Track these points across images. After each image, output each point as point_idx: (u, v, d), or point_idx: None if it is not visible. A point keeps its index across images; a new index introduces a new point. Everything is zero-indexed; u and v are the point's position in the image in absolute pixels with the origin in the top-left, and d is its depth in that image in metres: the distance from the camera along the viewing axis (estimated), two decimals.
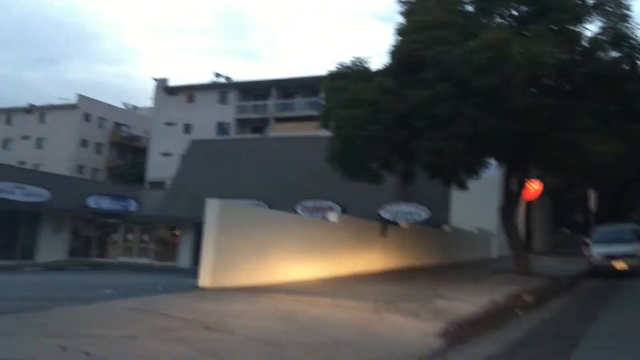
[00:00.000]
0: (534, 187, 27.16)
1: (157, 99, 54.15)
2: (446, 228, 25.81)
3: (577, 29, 15.26)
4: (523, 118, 13.26)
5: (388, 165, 15.83)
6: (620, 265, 19.14)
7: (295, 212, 25.81)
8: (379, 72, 15.29)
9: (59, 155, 52.22)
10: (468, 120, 12.88)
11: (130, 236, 36.45)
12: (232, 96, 52.97)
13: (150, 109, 56.16)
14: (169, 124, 52.53)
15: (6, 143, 56.39)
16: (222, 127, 52.05)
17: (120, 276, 22.46)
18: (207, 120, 51.28)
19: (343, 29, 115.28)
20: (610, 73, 14.29)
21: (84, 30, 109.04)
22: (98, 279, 20.43)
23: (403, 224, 20.77)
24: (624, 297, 14.70)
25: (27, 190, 28.67)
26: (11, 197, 27.78)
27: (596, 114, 14.10)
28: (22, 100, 58.91)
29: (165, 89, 53.98)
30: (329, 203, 29.00)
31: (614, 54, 14.96)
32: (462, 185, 17.95)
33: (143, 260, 34.44)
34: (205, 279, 10.04)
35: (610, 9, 14.72)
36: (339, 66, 16.46)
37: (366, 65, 16.23)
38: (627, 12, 14.57)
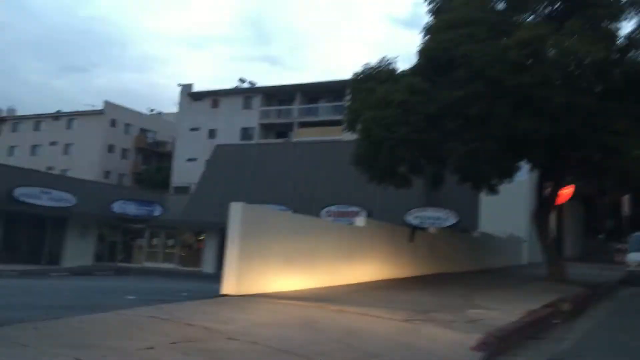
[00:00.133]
0: (565, 190, 26.31)
1: (182, 104, 54.42)
2: (475, 233, 25.11)
3: (613, 27, 14.62)
4: (559, 118, 12.67)
5: (417, 168, 15.33)
6: None
7: (319, 217, 25.39)
8: (407, 72, 14.83)
9: (86, 161, 52.76)
10: (502, 121, 12.35)
11: (155, 241, 36.47)
12: (256, 101, 52.93)
13: (175, 114, 56.47)
14: (193, 129, 52.72)
15: (34, 149, 57.22)
16: (246, 133, 52.01)
17: (145, 281, 22.30)
18: (231, 126, 51.31)
19: (365, 34, 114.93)
20: None
21: (111, 38, 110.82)
22: (122, 284, 20.29)
23: (432, 229, 20.18)
24: None
25: (53, 196, 28.82)
26: (37, 202, 27.95)
27: (633, 116, 13.45)
28: (50, 108, 59.93)
29: (190, 95, 54.21)
30: (354, 208, 28.49)
31: None
32: (493, 190, 17.36)
33: (168, 265, 34.38)
34: (228, 285, 9.67)
35: None
36: (365, 67, 16.04)
37: (393, 66, 15.79)
38: None
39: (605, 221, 44.46)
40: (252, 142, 49.06)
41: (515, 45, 12.17)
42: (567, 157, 15.42)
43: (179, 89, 54.89)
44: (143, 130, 59.64)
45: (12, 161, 49.75)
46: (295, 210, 22.83)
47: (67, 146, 56.36)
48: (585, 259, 31.30)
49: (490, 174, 14.79)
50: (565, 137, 13.81)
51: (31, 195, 27.86)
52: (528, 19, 14.51)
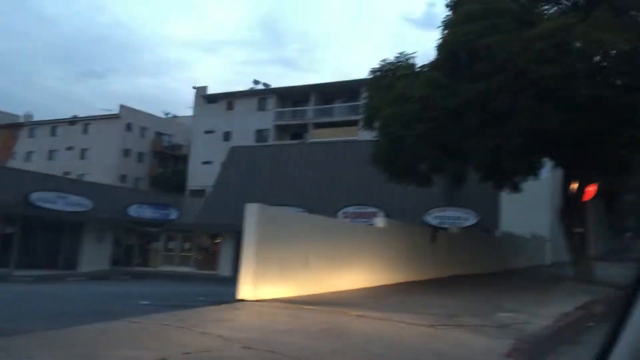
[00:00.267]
0: (590, 187, 25.59)
1: (197, 107, 54.34)
2: (497, 233, 24.50)
3: None
4: (587, 112, 12.10)
5: (438, 166, 14.82)
6: None
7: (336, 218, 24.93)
8: (426, 67, 14.34)
9: (102, 165, 52.88)
10: (527, 115, 11.81)
11: (171, 245, 36.29)
12: (271, 103, 52.65)
13: (190, 117, 56.41)
14: (208, 132, 52.57)
15: (51, 154, 57.51)
16: (261, 134, 51.73)
17: (161, 286, 22.05)
18: (246, 128, 51.06)
19: (379, 35, 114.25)
20: None
21: (127, 44, 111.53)
22: (137, 289, 20.02)
23: (453, 229, 19.64)
24: None
25: (69, 200, 28.72)
26: (54, 206, 27.86)
27: None
28: (68, 113, 60.10)
29: (204, 97, 54.10)
30: (371, 209, 27.99)
31: None
32: (516, 188, 16.79)
33: (184, 269, 34.16)
34: (245, 290, 9.28)
35: None
36: (382, 63, 15.60)
37: (412, 61, 15.32)
38: None
39: (628, 219, 43.46)
40: (267, 143, 48.81)
41: (540, 36, 11.63)
42: (593, 152, 14.82)
43: (193, 92, 54.82)
44: (158, 134, 59.68)
45: (29, 166, 50.01)
46: (312, 212, 22.38)
47: (83, 151, 56.57)
48: (609, 258, 30.47)
49: (514, 170, 14.23)
50: (592, 132, 13.23)
51: (47, 200, 27.78)
52: (552, 10, 13.96)
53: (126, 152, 55.66)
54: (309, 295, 10.18)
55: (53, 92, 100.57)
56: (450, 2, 15.21)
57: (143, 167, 56.95)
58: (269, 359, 5.41)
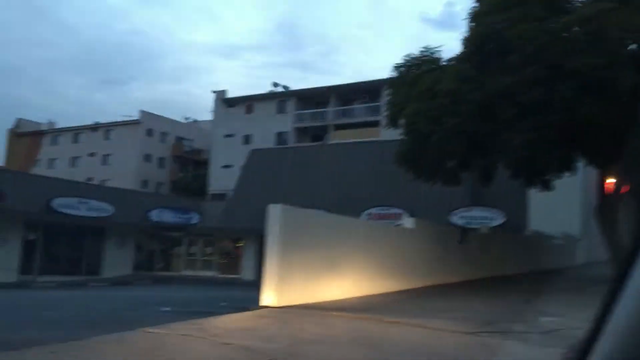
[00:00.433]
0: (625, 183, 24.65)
1: (216, 111, 54.18)
2: (527, 233, 23.69)
3: None
4: (627, 102, 11.38)
5: (466, 164, 14.18)
6: None
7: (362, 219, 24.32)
8: (452, 61, 13.73)
9: (124, 171, 53.00)
10: (562, 107, 11.15)
11: (193, 249, 36.04)
12: (291, 105, 52.26)
13: (210, 122, 56.29)
14: (228, 135, 52.36)
15: (74, 161, 57.86)
16: (281, 137, 51.36)
17: (183, 291, 21.72)
18: (266, 131, 50.74)
19: (398, 36, 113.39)
20: None
21: (147, 51, 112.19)
22: (159, 294, 19.70)
23: (483, 229, 18.93)
24: None
25: (91, 205, 28.55)
26: (75, 212, 27.72)
27: None
28: (89, 120, 60.50)
29: (224, 101, 53.93)
30: (395, 210, 27.32)
31: None
32: (547, 185, 16.05)
33: (207, 273, 33.85)
34: (268, 296, 8.80)
35: None
36: (406, 58, 15.01)
37: (437, 56, 14.70)
38: None
39: None
40: (288, 146, 48.46)
41: (576, 23, 10.99)
42: (633, 147, 14.03)
43: (213, 96, 54.71)
44: (179, 139, 59.69)
45: (52, 173, 50.25)
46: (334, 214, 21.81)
47: (105, 157, 56.78)
48: None
49: (548, 166, 13.52)
50: (630, 123, 12.49)
51: (69, 205, 27.64)
52: None
53: (147, 158, 55.74)
54: (335, 301, 9.67)
55: (75, 100, 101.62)
56: None
57: (164, 172, 56.98)
58: None
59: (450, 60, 14.15)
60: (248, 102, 54.24)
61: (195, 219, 34.66)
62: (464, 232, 15.68)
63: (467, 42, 13.64)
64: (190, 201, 39.79)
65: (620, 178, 15.76)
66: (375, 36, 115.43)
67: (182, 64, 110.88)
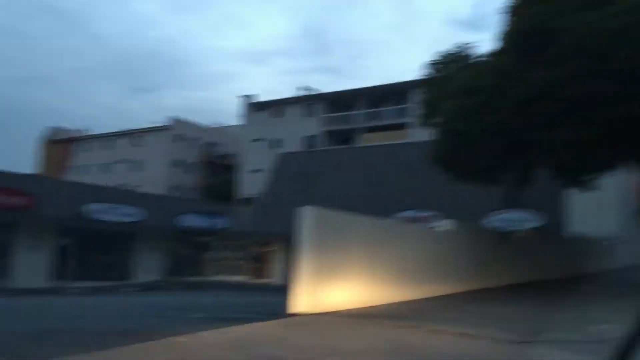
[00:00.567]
0: None
1: (244, 116, 54.25)
2: (565, 235, 22.82)
3: None
4: None
5: (504, 164, 13.54)
6: None
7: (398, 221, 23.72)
8: (489, 57, 13.15)
9: (155, 177, 53.42)
10: (608, 103, 10.50)
11: (223, 254, 35.97)
12: (319, 109, 51.94)
13: (238, 127, 56.40)
14: (257, 140, 52.32)
15: (106, 167, 58.62)
16: (309, 141, 51.08)
17: (212, 296, 21.51)
18: (294, 135, 50.53)
19: (426, 38, 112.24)
20: None
21: (177, 58, 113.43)
22: (190, 299, 19.52)
23: (523, 232, 18.20)
24: None
25: (122, 211, 28.69)
26: (107, 218, 27.87)
27: None
28: (120, 127, 61.20)
29: (252, 106, 53.95)
30: (427, 213, 26.69)
31: None
32: (588, 186, 15.31)
33: (237, 278, 33.71)
34: (300, 302, 8.40)
35: None
36: (439, 54, 14.50)
37: (472, 52, 14.14)
38: None
39: None
40: (316, 149, 48.16)
41: (622, 12, 10.33)
42: None
43: (241, 101, 54.78)
44: (208, 144, 59.98)
45: (85, 180, 50.91)
46: None
47: (136, 163, 57.38)
48: None
49: (591, 166, 12.84)
50: None
51: (100, 211, 27.81)
52: None
53: (177, 163, 56.12)
54: (370, 307, 9.23)
55: (107, 108, 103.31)
56: None
57: (194, 177, 57.30)
58: None
59: (486, 56, 13.59)
60: (276, 106, 54.16)
61: (224, 223, 34.61)
62: (504, 234, 15.02)
63: (505, 36, 13.05)
64: (220, 206, 39.78)
65: None
66: (402, 39, 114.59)
67: (211, 70, 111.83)
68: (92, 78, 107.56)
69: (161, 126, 56.74)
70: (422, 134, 36.24)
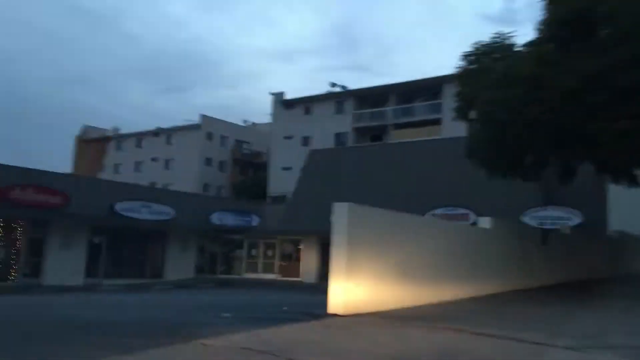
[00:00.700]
0: None
1: (274, 114, 54.07)
2: (612, 233, 21.89)
3: None
4: None
5: (546, 158, 12.89)
6: None
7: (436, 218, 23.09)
8: (530, 46, 12.51)
9: (186, 175, 53.68)
10: None
11: (254, 252, 35.82)
12: (349, 105, 51.44)
13: (268, 124, 56.30)
14: (287, 137, 52.11)
15: (138, 166, 59.20)
16: (339, 138, 50.62)
17: (244, 294, 21.31)
18: (324, 132, 50.16)
19: (456, 34, 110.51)
20: None
21: (206, 58, 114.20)
22: (220, 298, 19.32)
23: (565, 229, 17.46)
24: None
25: (154, 209, 28.71)
26: (138, 216, 27.93)
27: None
28: (151, 126, 61.72)
29: (282, 103, 53.77)
30: (462, 210, 25.94)
31: None
32: (635, 181, 14.52)
33: (268, 276, 33.51)
34: (336, 303, 8.00)
35: None
36: (475, 46, 13.89)
37: (511, 41, 13.49)
38: None
39: None
40: (348, 146, 47.69)
41: None
42: None
43: (271, 99, 54.65)
44: (238, 142, 60.04)
45: (118, 178, 51.57)
46: None
47: (167, 161, 57.78)
48: None
49: None
50: None
51: (132, 209, 27.88)
52: None
53: (208, 161, 56.32)
54: (409, 308, 8.78)
55: (138, 107, 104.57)
56: None
57: (224, 175, 57.41)
58: None
59: (525, 45, 12.94)
60: (306, 104, 53.89)
61: (255, 221, 34.43)
62: (546, 232, 14.35)
63: (544, 25, 12.41)
64: (251, 204, 39.64)
65: None
66: (432, 35, 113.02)
67: (240, 69, 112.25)
68: (124, 78, 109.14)
69: (192, 124, 57.02)
70: (455, 130, 35.42)
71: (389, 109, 50.64)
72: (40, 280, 23.12)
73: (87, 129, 65.42)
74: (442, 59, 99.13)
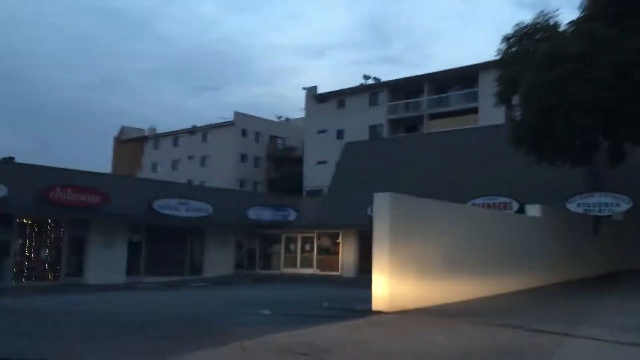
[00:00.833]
0: None
1: (308, 108, 53.84)
2: None
3: None
4: None
5: (597, 138, 12.17)
6: None
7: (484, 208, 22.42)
8: (576, 23, 11.84)
9: (222, 172, 54.00)
10: None
11: (292, 246, 35.70)
12: (382, 97, 50.78)
13: (302, 119, 56.14)
14: (321, 131, 51.82)
15: (175, 164, 59.89)
16: (374, 130, 50.07)
17: (282, 290, 21.13)
18: (358, 124, 49.67)
19: (489, 23, 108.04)
20: None
21: (238, 56, 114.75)
22: (259, 294, 19.15)
23: (617, 216, 16.64)
24: None
25: (191, 206, 28.84)
26: (176, 213, 28.09)
27: None
28: (186, 125, 62.35)
29: (315, 97, 53.46)
30: (503, 199, 25.14)
31: None
32: None
33: (306, 271, 33.33)
34: (380, 299, 7.63)
35: None
36: (517, 27, 13.25)
37: (554, 21, 12.81)
38: None
39: None
40: (383, 138, 47.12)
41: None
42: None
43: (304, 94, 54.43)
44: (273, 138, 60.09)
45: (155, 177, 52.25)
46: None
47: (203, 158, 58.28)
48: None
49: None
50: None
51: (169, 206, 28.04)
52: None
53: (243, 157, 56.53)
54: (457, 303, 8.35)
55: (172, 107, 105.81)
56: None
57: (260, 171, 57.57)
58: None
59: (571, 23, 12.26)
60: (339, 97, 53.46)
61: (292, 215, 34.27)
62: (597, 220, 13.65)
63: (590, 1, 11.72)
64: (287, 198, 39.50)
65: None
66: (464, 25, 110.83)
67: (272, 66, 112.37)
68: (158, 79, 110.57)
69: (226, 122, 57.29)
70: (491, 118, 34.43)
71: (423, 99, 49.82)
72: (82, 279, 23.42)
73: (124, 129, 66.51)
74: (475, 48, 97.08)
